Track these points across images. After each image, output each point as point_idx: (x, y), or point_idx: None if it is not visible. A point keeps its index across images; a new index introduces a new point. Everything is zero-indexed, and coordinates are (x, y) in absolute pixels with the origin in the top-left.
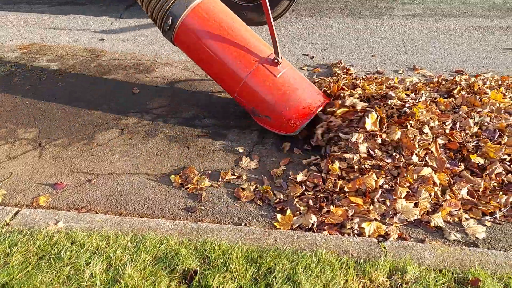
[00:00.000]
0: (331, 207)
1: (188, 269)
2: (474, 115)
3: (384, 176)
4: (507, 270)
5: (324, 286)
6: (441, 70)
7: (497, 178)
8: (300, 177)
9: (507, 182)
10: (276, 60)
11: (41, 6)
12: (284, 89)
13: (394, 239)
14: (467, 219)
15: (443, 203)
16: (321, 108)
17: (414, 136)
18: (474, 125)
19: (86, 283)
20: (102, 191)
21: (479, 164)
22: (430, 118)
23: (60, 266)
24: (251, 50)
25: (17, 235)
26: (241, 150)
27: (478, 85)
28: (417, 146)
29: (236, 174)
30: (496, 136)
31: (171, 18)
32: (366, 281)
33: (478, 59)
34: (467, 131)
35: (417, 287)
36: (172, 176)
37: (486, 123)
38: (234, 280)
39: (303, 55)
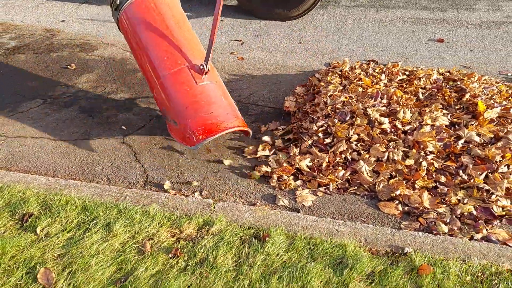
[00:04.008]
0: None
1: (27, 213)
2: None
3: None
4: (308, 232)
5: (135, 232)
6: (356, 59)
7: (341, 155)
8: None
9: (350, 159)
10: (202, 67)
11: None
12: (200, 98)
13: (225, 201)
14: (303, 189)
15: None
16: (230, 130)
17: None
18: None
19: None
20: (5, 151)
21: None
22: None
23: None
24: (183, 53)
25: None
26: (139, 122)
27: (355, 73)
28: None
29: (125, 142)
30: (348, 118)
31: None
32: (176, 231)
33: (397, 49)
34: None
35: (214, 238)
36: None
37: (340, 107)
38: (62, 224)
39: (235, 40)
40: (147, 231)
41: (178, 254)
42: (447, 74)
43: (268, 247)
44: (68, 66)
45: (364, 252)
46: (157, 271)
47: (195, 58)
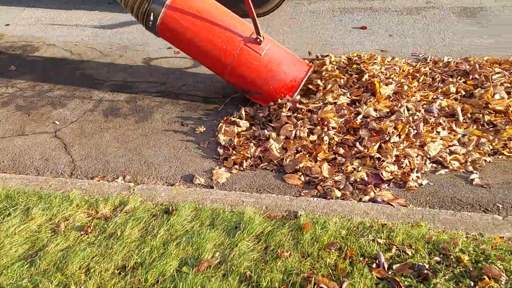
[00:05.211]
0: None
1: None
2: None
3: None
4: (216, 204)
5: (53, 215)
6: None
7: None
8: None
9: (264, 138)
10: (258, 40)
11: None
12: (270, 66)
13: (146, 184)
14: (219, 168)
15: None
16: (306, 76)
17: None
18: None
19: None
20: None
21: None
22: None
23: None
24: (233, 33)
25: None
26: (72, 117)
27: None
28: None
29: (57, 136)
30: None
31: (152, 14)
32: (92, 212)
33: (323, 38)
34: None
35: (126, 215)
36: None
37: None
38: None
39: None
40: (64, 213)
41: (89, 231)
42: (355, 58)
43: (174, 219)
44: (9, 68)
45: (262, 217)
46: (67, 246)
47: (246, 32)
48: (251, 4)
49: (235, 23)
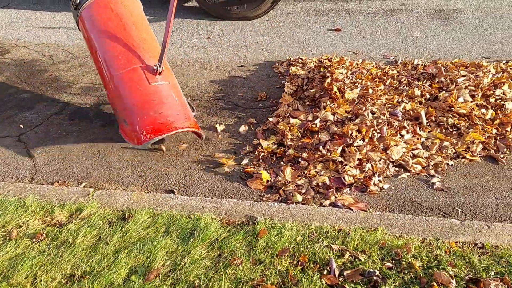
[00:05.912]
0: None
1: None
2: None
3: None
4: (175, 210)
5: (6, 222)
6: (258, 51)
7: None
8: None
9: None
10: (155, 67)
11: None
12: (151, 98)
13: (106, 189)
14: None
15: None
16: (180, 130)
17: None
18: None
19: None
20: None
21: None
22: None
23: None
24: (138, 53)
25: None
26: (37, 120)
27: None
28: None
29: (21, 140)
30: None
31: None
32: (47, 219)
33: (297, 40)
34: None
35: (81, 221)
36: None
37: None
38: None
39: None
40: (18, 220)
41: (41, 238)
42: (326, 61)
43: (129, 226)
44: None
45: (219, 223)
46: (16, 254)
47: (151, 59)
48: (170, 27)
49: (146, 45)
